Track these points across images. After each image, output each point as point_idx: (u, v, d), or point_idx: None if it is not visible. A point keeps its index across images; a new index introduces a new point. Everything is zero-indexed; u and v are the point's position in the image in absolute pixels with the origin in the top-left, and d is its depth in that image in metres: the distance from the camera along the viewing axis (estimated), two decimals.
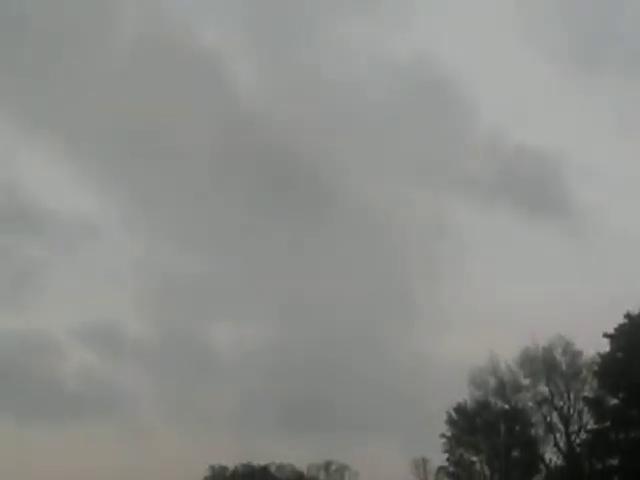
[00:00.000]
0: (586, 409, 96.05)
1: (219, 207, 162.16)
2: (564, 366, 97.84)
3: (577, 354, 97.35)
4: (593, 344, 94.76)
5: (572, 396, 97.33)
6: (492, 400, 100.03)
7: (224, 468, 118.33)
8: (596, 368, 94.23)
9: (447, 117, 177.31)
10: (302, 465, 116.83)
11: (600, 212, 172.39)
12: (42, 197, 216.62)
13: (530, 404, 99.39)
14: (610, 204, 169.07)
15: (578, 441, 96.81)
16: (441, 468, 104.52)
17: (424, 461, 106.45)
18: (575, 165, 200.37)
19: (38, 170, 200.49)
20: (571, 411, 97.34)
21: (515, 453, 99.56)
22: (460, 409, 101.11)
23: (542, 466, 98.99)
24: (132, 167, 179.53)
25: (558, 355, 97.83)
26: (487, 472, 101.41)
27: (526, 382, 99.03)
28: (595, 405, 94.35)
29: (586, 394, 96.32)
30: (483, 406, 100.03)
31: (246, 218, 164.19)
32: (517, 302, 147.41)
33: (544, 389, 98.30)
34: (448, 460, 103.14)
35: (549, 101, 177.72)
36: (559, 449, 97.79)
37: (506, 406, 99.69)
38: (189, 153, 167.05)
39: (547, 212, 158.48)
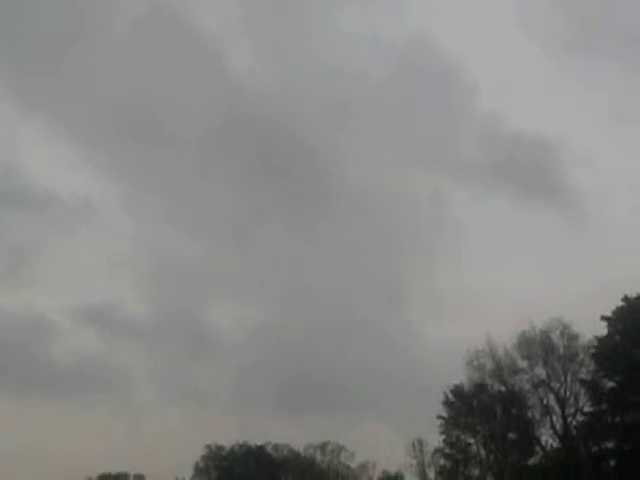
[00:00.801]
0: (583, 392, 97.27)
1: (219, 191, 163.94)
2: (561, 349, 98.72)
3: (574, 337, 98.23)
4: (590, 327, 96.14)
5: (569, 379, 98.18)
6: (489, 382, 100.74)
7: (221, 447, 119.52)
8: (593, 351, 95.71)
9: (446, 103, 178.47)
10: (299, 445, 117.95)
11: (596, 197, 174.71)
12: (42, 178, 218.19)
13: (527, 386, 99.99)
14: (606, 189, 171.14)
15: (574, 424, 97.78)
16: (437, 450, 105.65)
17: (420, 442, 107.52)
18: (572, 150, 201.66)
19: (39, 152, 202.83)
20: (567, 394, 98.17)
21: (511, 435, 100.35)
22: (457, 391, 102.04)
23: (538, 448, 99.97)
24: (132, 150, 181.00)
25: (555, 338, 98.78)
26: (483, 454, 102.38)
27: (523, 365, 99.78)
28: (592, 388, 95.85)
29: (583, 377, 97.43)
30: (480, 388, 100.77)
31: (245, 203, 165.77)
32: (514, 285, 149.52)
33: (541, 372, 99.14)
34: (445, 442, 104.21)
35: (547, 87, 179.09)
36: (555, 431, 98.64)
37: (503, 388, 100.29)
38: (189, 137, 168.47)
39: (544, 197, 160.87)
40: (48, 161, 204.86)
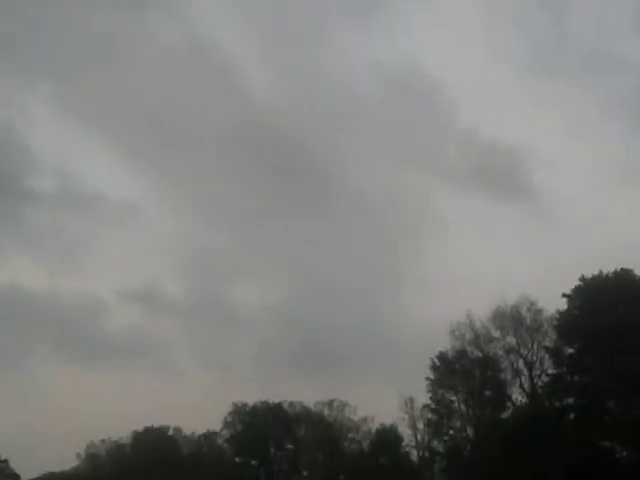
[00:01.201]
0: (546, 357, 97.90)
1: (239, 191, 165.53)
2: (528, 321, 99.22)
3: (539, 311, 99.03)
4: (553, 303, 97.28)
5: (535, 346, 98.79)
6: (468, 349, 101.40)
7: (245, 404, 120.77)
8: (555, 323, 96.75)
9: (431, 117, 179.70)
10: (309, 402, 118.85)
11: (556, 196, 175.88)
12: (93, 182, 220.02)
13: (500, 353, 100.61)
14: (564, 189, 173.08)
15: (540, 384, 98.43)
16: (425, 406, 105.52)
17: (411, 400, 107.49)
18: (536, 158, 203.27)
19: (90, 160, 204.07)
20: (534, 359, 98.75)
21: (487, 393, 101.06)
22: (441, 357, 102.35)
23: (509, 404, 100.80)
24: (167, 156, 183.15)
25: (523, 312, 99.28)
26: (464, 409, 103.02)
27: (497, 334, 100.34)
28: (554, 354, 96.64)
29: (546, 344, 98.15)
30: (461, 354, 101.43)
31: (262, 200, 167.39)
32: (489, 269, 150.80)
33: (512, 340, 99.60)
34: (431, 399, 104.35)
35: (515, 104, 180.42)
36: (524, 390, 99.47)
37: (480, 354, 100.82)
38: (213, 145, 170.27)
39: (513, 196, 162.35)
40: (98, 167, 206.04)
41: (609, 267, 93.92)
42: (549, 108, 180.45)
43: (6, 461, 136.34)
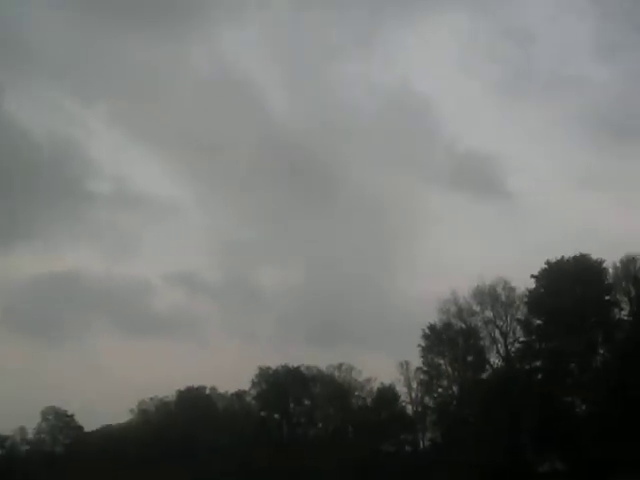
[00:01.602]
0: (518, 327, 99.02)
1: (263, 192, 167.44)
2: (503, 298, 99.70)
3: (512, 289, 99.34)
4: (523, 283, 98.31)
5: (509, 318, 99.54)
6: (453, 322, 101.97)
7: (269, 368, 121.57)
8: (525, 299, 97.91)
9: (421, 129, 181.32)
10: (322, 366, 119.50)
11: (525, 194, 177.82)
12: (142, 185, 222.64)
13: (480, 324, 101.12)
14: (532, 189, 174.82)
15: (513, 350, 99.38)
16: (418, 368, 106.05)
17: (406, 363, 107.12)
18: (508, 162, 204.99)
19: (140, 167, 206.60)
20: (508, 329, 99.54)
21: (469, 358, 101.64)
22: (431, 328, 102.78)
23: (488, 367, 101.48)
24: (203, 164, 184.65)
25: (499, 290, 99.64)
26: (450, 371, 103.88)
27: (477, 309, 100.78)
28: (524, 325, 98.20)
29: (518, 317, 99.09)
30: (447, 326, 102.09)
31: (281, 200, 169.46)
32: (470, 256, 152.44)
33: (489, 314, 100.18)
34: (423, 363, 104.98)
35: (489, 117, 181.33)
36: (500, 355, 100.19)
37: (463, 326, 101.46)
38: (242, 155, 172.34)
39: (489, 194, 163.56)
40: (146, 173, 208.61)
41: (569, 253, 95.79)
42: (518, 122, 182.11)
43: (72, 416, 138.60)
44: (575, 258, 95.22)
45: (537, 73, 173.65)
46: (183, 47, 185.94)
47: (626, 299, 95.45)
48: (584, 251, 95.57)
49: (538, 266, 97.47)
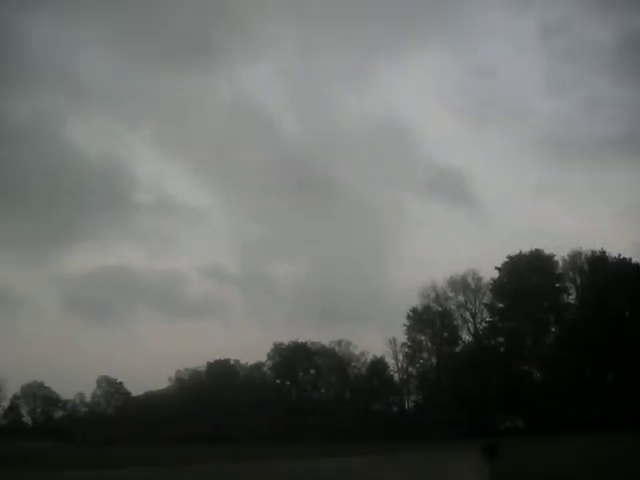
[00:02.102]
0: (485, 310, 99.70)
1: (275, 200, 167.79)
2: (473, 286, 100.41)
3: (480, 279, 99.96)
4: (489, 273, 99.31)
5: (477, 302, 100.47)
6: (432, 305, 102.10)
7: (281, 343, 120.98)
8: (491, 287, 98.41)
9: (405, 148, 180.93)
10: (325, 341, 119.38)
11: (489, 202, 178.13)
12: (177, 196, 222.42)
13: (454, 307, 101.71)
14: (495, 197, 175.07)
15: (480, 328, 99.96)
16: (403, 344, 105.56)
17: (394, 339, 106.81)
18: (475, 175, 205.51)
19: (176, 181, 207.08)
20: (476, 311, 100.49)
21: (445, 335, 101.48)
22: (414, 311, 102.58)
23: (460, 342, 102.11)
24: (226, 176, 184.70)
25: (469, 279, 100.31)
26: (430, 345, 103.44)
27: (451, 295, 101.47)
28: (490, 308, 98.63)
29: (485, 301, 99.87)
30: (427, 309, 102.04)
31: (290, 205, 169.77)
32: (445, 252, 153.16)
33: (462, 299, 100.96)
34: (407, 339, 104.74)
35: (460, 139, 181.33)
36: (470, 332, 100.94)
37: (440, 309, 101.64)
38: (258, 170, 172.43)
39: (460, 202, 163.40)
40: (181, 186, 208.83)
41: (526, 249, 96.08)
42: (483, 143, 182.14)
43: (121, 383, 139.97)
44: (531, 253, 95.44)
45: (498, 103, 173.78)
46: (209, 81, 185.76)
47: (573, 287, 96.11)
48: (538, 247, 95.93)
49: (500, 259, 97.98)
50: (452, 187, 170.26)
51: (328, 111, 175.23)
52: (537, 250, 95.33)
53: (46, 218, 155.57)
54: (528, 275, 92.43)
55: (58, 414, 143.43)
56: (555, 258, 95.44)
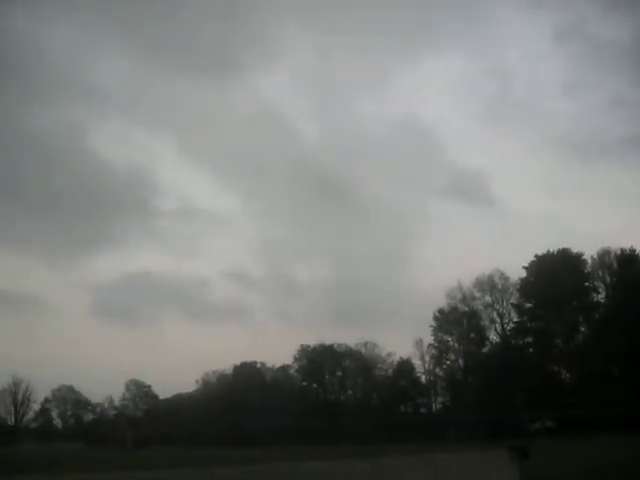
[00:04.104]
0: (512, 310, 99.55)
1: (295, 202, 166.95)
2: (500, 285, 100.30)
3: (507, 278, 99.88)
4: (516, 273, 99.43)
5: (504, 303, 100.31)
6: (459, 306, 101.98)
7: (307, 345, 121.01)
8: (518, 287, 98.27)
9: (425, 150, 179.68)
10: (351, 343, 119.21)
11: (507, 201, 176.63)
12: (199, 200, 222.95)
13: (480, 308, 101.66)
14: (512, 196, 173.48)
15: (508, 328, 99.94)
16: (430, 344, 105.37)
17: (421, 340, 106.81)
18: (493, 176, 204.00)
19: (198, 186, 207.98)
20: (504, 311, 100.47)
21: (472, 335, 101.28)
22: (441, 311, 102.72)
23: (487, 342, 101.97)
24: (248, 182, 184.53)
25: (496, 279, 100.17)
26: (456, 346, 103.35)
27: (478, 295, 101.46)
28: (517, 307, 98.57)
29: (512, 301, 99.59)
30: (454, 309, 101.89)
31: (310, 207, 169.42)
32: (469, 253, 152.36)
33: (488, 299, 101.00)
34: (434, 340, 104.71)
35: (478, 141, 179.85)
36: (497, 333, 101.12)
37: (467, 309, 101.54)
38: (278, 172, 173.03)
39: (479, 202, 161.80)
40: (203, 191, 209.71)
41: (552, 248, 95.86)
42: (503, 144, 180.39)
43: (149, 386, 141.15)
44: (559, 252, 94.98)
45: (516, 104, 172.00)
46: (229, 88, 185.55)
47: (602, 285, 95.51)
48: (565, 246, 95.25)
49: (526, 259, 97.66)
50: (473, 188, 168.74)
51: (347, 115, 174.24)
52: (565, 249, 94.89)
53: (74, 225, 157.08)
54: (556, 274, 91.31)
55: (88, 417, 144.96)
56: (584, 257, 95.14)
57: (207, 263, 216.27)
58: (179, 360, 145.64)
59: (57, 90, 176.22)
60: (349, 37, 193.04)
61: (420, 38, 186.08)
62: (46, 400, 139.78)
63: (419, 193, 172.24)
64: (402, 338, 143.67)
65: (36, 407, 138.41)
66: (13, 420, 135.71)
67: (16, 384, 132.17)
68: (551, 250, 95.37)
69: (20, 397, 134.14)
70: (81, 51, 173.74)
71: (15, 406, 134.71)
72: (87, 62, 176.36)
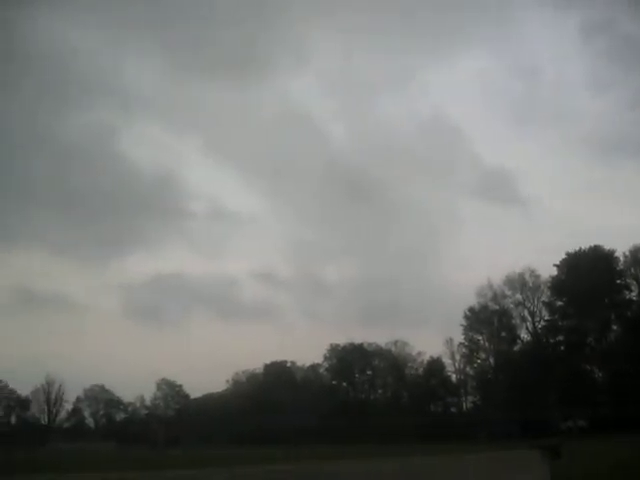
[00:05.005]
0: (543, 308, 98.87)
1: (324, 203, 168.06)
2: (530, 283, 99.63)
3: (538, 276, 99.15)
4: (547, 271, 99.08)
5: (535, 301, 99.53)
6: (489, 304, 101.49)
7: (337, 344, 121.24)
8: (549, 284, 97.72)
9: (452, 150, 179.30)
10: (381, 342, 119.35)
11: (536, 200, 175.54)
12: (229, 202, 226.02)
13: (511, 306, 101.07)
14: (542, 195, 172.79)
15: (539, 326, 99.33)
16: (461, 343, 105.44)
17: (451, 339, 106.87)
18: (522, 174, 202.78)
19: (227, 188, 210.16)
20: (535, 309, 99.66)
21: (503, 334, 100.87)
22: (471, 310, 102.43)
23: (518, 341, 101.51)
24: (277, 183, 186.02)
25: (527, 277, 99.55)
26: (487, 345, 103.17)
27: (509, 293, 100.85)
28: (549, 306, 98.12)
29: (543, 299, 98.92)
30: (484, 308, 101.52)
31: (339, 209, 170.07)
32: (499, 252, 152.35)
33: (519, 297, 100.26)
34: (465, 339, 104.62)
35: (506, 140, 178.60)
36: (528, 331, 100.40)
37: (497, 307, 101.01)
38: (307, 174, 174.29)
39: (507, 201, 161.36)
40: (232, 193, 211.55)
41: (583, 246, 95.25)
42: (529, 143, 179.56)
43: (180, 386, 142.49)
44: (590, 249, 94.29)
45: (543, 103, 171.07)
46: (258, 90, 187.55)
47: (635, 283, 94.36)
48: (597, 243, 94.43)
49: (556, 258, 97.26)
50: (502, 187, 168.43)
51: (375, 115, 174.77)
52: (596, 246, 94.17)
53: (105, 227, 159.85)
54: (588, 272, 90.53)
55: (119, 416, 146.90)
56: (616, 254, 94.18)
57: (236, 263, 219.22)
58: (209, 360, 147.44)
59: (87, 94, 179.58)
60: (375, 38, 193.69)
61: (446, 38, 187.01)
62: (78, 400, 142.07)
63: (448, 192, 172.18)
64: (432, 337, 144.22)
65: (68, 407, 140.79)
66: (46, 419, 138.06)
67: (49, 384, 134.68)
68: (582, 247, 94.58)
69: (53, 397, 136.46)
70: (110, 54, 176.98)
71: (48, 406, 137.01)
72: (116, 65, 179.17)
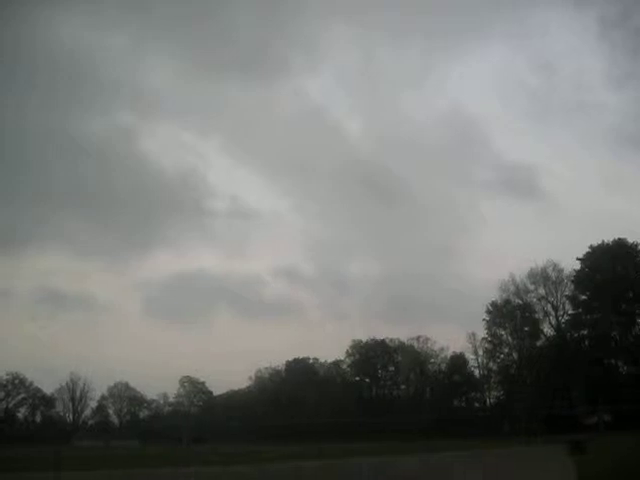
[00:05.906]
0: (567, 302, 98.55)
1: (345, 201, 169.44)
2: (554, 277, 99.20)
3: (561, 270, 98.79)
4: (570, 265, 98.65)
5: (559, 295, 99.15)
6: (512, 298, 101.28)
7: (360, 341, 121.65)
8: (572, 278, 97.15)
9: (472, 145, 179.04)
10: (404, 338, 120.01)
11: (557, 195, 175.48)
12: (250, 201, 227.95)
13: (534, 300, 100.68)
14: (562, 190, 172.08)
15: (563, 321, 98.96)
16: (483, 338, 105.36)
17: (474, 334, 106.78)
18: (543, 170, 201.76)
19: (248, 187, 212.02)
20: (558, 304, 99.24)
21: (526, 329, 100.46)
22: (494, 304, 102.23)
23: (542, 336, 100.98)
24: (298, 182, 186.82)
25: (550, 271, 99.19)
26: (510, 340, 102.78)
27: (531, 287, 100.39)
28: (572, 300, 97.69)
29: (567, 293, 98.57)
30: (507, 302, 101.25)
31: (360, 206, 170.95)
32: (520, 247, 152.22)
33: (542, 291, 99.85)
34: (487, 333, 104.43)
35: (528, 135, 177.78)
36: (552, 326, 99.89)
37: (520, 302, 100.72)
38: (326, 171, 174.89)
39: (528, 197, 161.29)
40: (253, 191, 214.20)
41: (606, 239, 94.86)
42: (550, 139, 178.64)
43: (203, 383, 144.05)
44: (614, 242, 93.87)
45: (561, 97, 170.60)
46: (278, 89, 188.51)
47: None
48: (621, 236, 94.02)
49: (578, 252, 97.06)
50: (522, 182, 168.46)
51: (394, 112, 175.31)
52: (620, 239, 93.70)
53: (128, 227, 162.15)
54: (611, 265, 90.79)
55: (143, 413, 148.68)
56: (639, 247, 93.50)
57: (258, 261, 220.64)
58: (232, 357, 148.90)
59: (109, 95, 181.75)
60: (393, 35, 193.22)
61: (464, 34, 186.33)
62: (102, 397, 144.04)
63: (469, 188, 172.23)
64: (455, 332, 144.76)
65: (93, 404, 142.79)
66: (71, 417, 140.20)
67: (74, 381, 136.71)
68: (606, 241, 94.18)
69: (78, 394, 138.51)
70: (130, 54, 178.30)
71: (73, 403, 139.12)
72: (136, 65, 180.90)
